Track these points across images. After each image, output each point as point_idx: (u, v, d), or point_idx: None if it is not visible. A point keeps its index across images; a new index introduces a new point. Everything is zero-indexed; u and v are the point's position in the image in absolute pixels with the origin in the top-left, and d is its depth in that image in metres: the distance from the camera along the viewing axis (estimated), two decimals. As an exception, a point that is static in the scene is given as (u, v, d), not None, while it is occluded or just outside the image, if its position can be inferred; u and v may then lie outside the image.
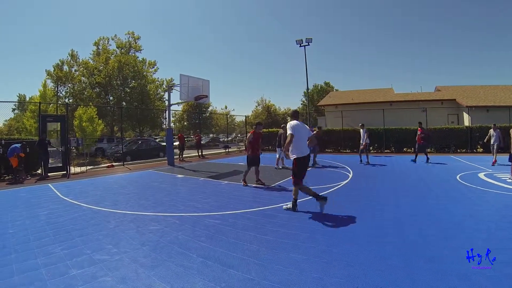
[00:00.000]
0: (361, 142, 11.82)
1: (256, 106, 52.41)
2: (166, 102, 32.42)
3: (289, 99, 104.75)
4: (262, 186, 7.38)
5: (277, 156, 11.24)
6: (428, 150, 17.35)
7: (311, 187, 5.27)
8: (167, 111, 13.64)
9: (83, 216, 4.86)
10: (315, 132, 11.23)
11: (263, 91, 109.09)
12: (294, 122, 5.16)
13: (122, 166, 13.05)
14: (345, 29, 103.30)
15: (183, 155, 16.37)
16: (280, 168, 10.83)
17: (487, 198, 5.76)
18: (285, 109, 55.21)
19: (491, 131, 11.15)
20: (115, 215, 4.93)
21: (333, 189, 6.91)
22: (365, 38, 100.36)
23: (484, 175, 8.65)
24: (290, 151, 4.95)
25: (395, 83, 76.10)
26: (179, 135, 17.21)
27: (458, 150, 17.19)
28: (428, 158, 11.83)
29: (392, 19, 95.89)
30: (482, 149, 16.46)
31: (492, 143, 11.01)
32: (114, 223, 4.45)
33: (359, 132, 12.17)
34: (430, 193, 6.31)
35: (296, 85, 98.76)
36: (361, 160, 12.08)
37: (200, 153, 17.59)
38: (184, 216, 4.81)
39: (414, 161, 12.01)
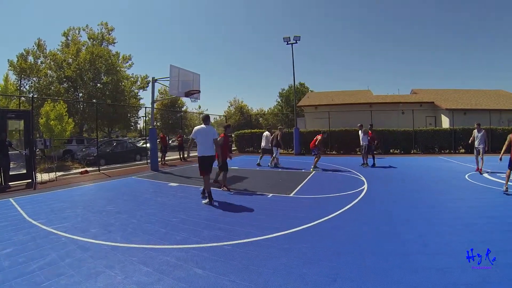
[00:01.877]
0: (361, 144, 11.47)
1: (229, 107, 51.30)
2: (141, 101, 31.13)
3: (263, 100, 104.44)
4: (219, 188, 7.26)
5: (273, 155, 11.67)
6: (414, 151, 17.89)
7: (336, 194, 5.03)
8: (151, 108, 12.21)
9: (66, 257, 3.29)
10: (320, 136, 10.45)
11: (235, 91, 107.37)
12: (199, 126, 5.97)
13: (98, 172, 11.48)
14: (319, 30, 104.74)
15: (165, 158, 15.08)
16: (273, 166, 11.57)
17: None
18: (257, 110, 54.58)
19: (475, 132, 9.77)
20: (115, 251, 3.47)
21: (361, 195, 6.42)
22: (340, 39, 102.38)
23: (489, 175, 8.83)
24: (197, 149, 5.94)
25: (370, 86, 78.40)
26: (162, 135, 15.73)
27: (442, 151, 17.60)
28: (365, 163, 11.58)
29: (366, 21, 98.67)
30: (464, 150, 17.03)
31: (476, 146, 9.57)
32: (120, 270, 2.94)
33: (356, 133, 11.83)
34: (468, 196, 6.34)
35: (271, 86, 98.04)
36: (364, 162, 11.53)
37: (182, 156, 16.30)
38: (223, 246, 3.56)
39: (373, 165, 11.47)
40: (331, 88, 67.60)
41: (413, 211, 5.14)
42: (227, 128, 7.89)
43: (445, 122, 22.32)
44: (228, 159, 7.67)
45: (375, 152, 11.63)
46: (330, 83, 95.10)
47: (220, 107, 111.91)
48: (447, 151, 17.66)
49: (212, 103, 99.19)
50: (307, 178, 9.00)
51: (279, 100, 52.13)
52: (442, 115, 23.28)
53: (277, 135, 11.58)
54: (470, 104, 23.31)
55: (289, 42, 18.61)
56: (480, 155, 9.37)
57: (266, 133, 12.31)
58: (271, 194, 6.65)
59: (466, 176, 8.68)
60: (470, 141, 10.06)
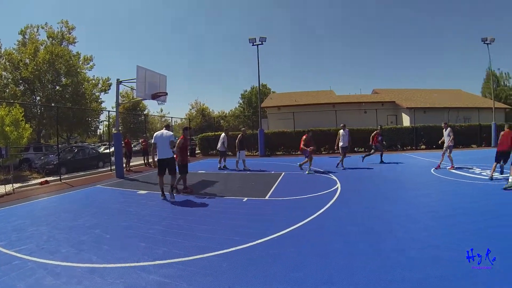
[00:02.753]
0: (340, 144, 11.12)
1: (190, 109, 50.53)
2: (102, 104, 29.51)
3: (224, 102, 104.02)
4: (191, 193, 7.34)
5: (237, 158, 11.80)
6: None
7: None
8: (115, 111, 11.62)
9: (36, 286, 2.89)
10: (305, 136, 10.19)
11: (196, 93, 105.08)
12: (158, 132, 6.78)
13: (60, 182, 10.71)
14: (281, 30, 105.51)
15: (130, 164, 14.38)
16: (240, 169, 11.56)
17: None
18: (218, 112, 54.30)
19: (444, 131, 9.89)
20: (92, 274, 3.10)
21: (336, 195, 6.59)
22: (300, 40, 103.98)
23: (456, 168, 9.52)
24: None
25: (332, 86, 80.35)
26: (126, 140, 14.94)
27: (404, 148, 18.66)
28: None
29: (326, 20, 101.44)
30: (424, 146, 18.21)
31: (446, 144, 9.73)
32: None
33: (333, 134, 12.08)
34: (439, 189, 6.94)
35: (231, 88, 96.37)
36: (341, 164, 11.08)
37: (146, 161, 15.75)
38: (209, 258, 3.42)
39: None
40: (292, 89, 68.83)
41: (393, 208, 5.36)
42: (185, 130, 7.77)
43: (406, 120, 23.56)
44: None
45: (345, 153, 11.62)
46: (290, 84, 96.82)
47: (182, 110, 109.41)
48: (409, 147, 18.76)
49: (173, 106, 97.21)
50: (278, 180, 9.09)
51: (241, 102, 51.96)
52: (403, 113, 24.50)
53: (239, 138, 11.62)
54: (429, 102, 24.76)
55: (254, 43, 18.55)
56: (448, 152, 9.61)
57: (223, 135, 12.31)
58: (246, 198, 6.64)
59: (432, 171, 9.45)
60: (440, 142, 10.31)
